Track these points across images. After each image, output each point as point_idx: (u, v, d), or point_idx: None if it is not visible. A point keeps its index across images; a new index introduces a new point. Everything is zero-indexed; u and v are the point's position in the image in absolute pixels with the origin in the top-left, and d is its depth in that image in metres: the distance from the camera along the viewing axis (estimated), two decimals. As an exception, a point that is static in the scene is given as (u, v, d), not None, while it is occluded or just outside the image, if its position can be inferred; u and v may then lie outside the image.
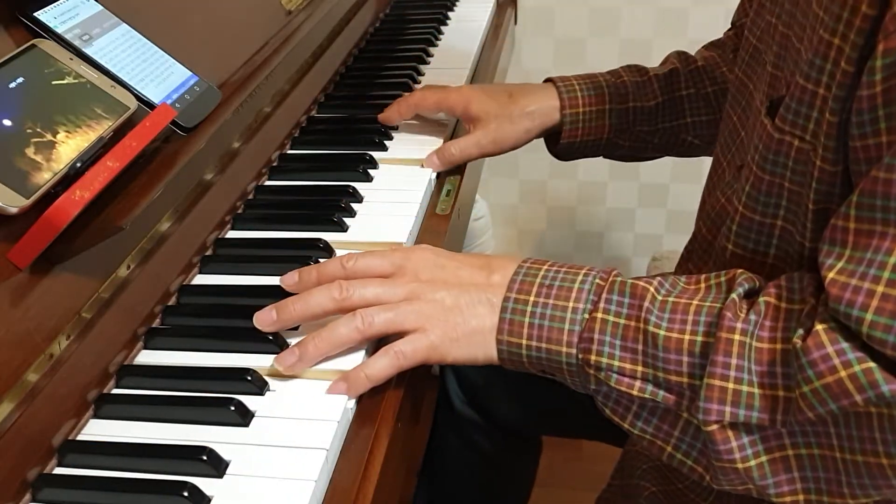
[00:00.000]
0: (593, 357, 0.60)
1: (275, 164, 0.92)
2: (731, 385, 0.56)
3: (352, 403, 0.61)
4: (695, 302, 0.59)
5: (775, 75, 0.65)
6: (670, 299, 0.60)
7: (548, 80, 0.98)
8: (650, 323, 0.59)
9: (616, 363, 0.60)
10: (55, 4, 0.71)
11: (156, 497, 0.54)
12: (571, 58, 1.84)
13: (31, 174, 0.60)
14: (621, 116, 0.96)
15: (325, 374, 0.63)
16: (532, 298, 0.63)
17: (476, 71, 1.20)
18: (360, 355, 0.64)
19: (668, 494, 0.75)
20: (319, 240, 0.77)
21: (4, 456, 0.53)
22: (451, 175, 0.92)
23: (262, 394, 0.62)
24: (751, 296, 0.59)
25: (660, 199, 1.97)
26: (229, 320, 0.69)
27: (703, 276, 0.63)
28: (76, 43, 0.71)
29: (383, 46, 1.26)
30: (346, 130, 1.01)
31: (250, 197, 0.86)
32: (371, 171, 0.90)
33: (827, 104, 0.56)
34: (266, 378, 0.63)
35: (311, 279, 0.67)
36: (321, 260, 0.75)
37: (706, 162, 0.86)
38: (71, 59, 0.69)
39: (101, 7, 0.75)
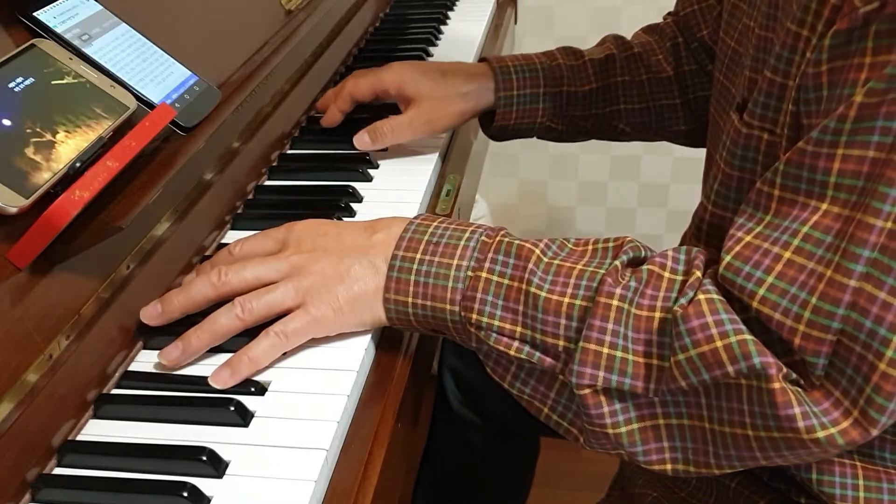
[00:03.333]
0: (474, 315, 0.61)
1: (274, 164, 0.92)
2: (605, 350, 0.56)
3: (352, 403, 0.61)
4: (578, 266, 0.60)
5: (752, 78, 0.65)
6: (555, 262, 0.60)
7: (483, 60, 0.97)
8: (532, 284, 0.59)
9: (496, 323, 0.60)
10: (55, 4, 0.71)
11: (156, 497, 0.54)
12: (571, 58, 1.84)
13: (30, 174, 0.60)
14: (555, 100, 0.95)
15: (323, 372, 0.63)
16: (419, 256, 0.63)
17: (476, 71, 1.20)
18: (360, 347, 0.64)
19: (671, 501, 0.75)
20: (319, 240, 0.77)
21: (4, 456, 0.53)
22: (452, 175, 0.92)
23: (262, 394, 0.62)
24: (636, 264, 0.60)
25: (660, 199, 1.97)
26: (229, 320, 0.69)
27: (592, 240, 0.63)
28: (76, 43, 0.71)
29: (383, 46, 1.26)
30: (347, 130, 1.01)
31: (250, 197, 0.86)
32: (371, 171, 0.90)
33: (791, 95, 0.57)
34: (266, 378, 0.63)
35: (201, 270, 0.68)
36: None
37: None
38: (70, 58, 0.69)
39: (100, 7, 0.75)
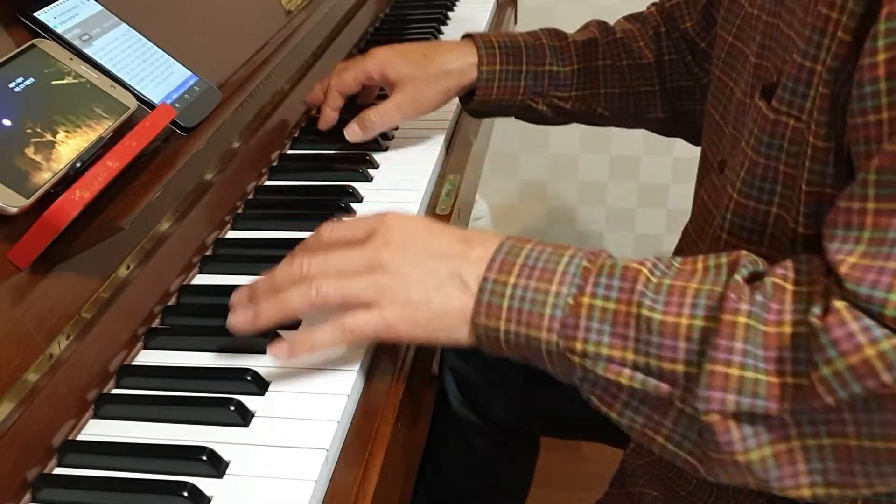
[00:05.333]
0: (578, 344, 0.56)
1: (275, 163, 0.92)
2: (734, 371, 0.51)
3: (352, 403, 0.61)
4: (693, 285, 0.55)
5: (760, 65, 0.65)
6: (666, 281, 0.56)
7: (467, 36, 0.97)
8: (644, 307, 0.54)
9: (605, 351, 0.55)
10: (55, 4, 0.71)
11: (156, 497, 0.54)
12: (571, 58, 1.84)
13: (31, 174, 0.60)
14: (537, 78, 0.95)
15: (323, 372, 0.63)
16: (512, 280, 0.58)
17: (476, 71, 1.20)
18: (361, 347, 0.64)
19: (671, 499, 0.76)
20: (319, 240, 0.77)
21: (4, 456, 0.53)
22: (452, 175, 0.92)
23: (262, 394, 0.62)
24: (754, 280, 0.55)
25: (660, 199, 1.97)
26: (229, 320, 0.69)
27: (700, 257, 0.58)
28: (76, 43, 0.71)
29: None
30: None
31: (250, 197, 0.86)
32: (371, 171, 0.90)
33: (822, 79, 0.56)
34: (266, 378, 0.63)
35: (292, 260, 0.63)
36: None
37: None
38: (71, 59, 0.69)
39: (100, 7, 0.75)
